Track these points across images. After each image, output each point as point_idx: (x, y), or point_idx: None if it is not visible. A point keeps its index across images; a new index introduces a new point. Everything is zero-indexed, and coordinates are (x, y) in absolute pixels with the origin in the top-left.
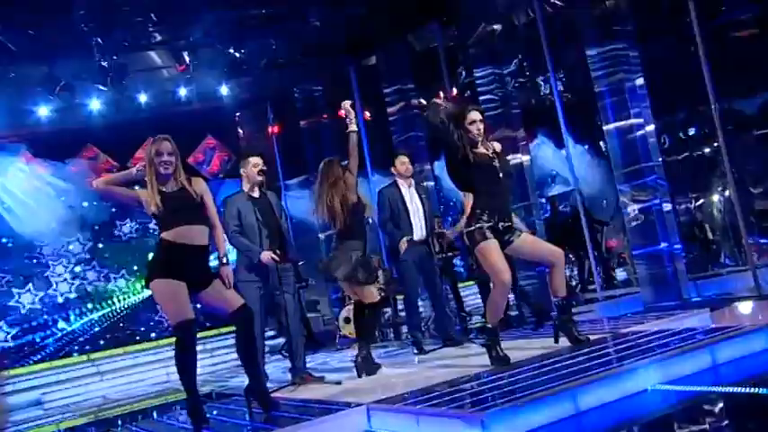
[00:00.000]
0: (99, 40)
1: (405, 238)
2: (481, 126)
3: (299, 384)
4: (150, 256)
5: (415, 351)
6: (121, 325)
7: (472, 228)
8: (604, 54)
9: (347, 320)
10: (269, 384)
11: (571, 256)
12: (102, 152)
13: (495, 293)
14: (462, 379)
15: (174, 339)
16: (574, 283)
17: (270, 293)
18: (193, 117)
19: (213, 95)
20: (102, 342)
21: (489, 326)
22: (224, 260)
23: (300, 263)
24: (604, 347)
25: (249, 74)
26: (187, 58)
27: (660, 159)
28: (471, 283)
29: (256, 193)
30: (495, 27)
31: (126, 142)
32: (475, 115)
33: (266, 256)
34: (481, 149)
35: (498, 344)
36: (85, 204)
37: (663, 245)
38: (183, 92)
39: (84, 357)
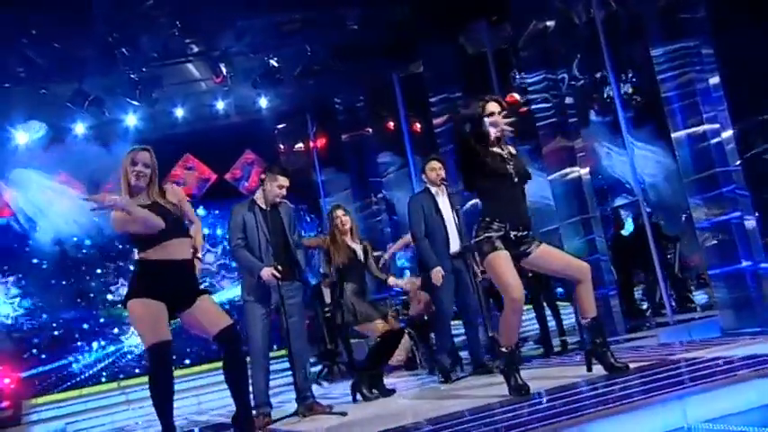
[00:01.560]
0: (125, 51)
1: (438, 270)
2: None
3: (305, 415)
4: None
5: (441, 378)
6: None
7: (481, 237)
8: (672, 52)
9: None
10: (272, 413)
11: (642, 275)
12: None
13: (506, 312)
14: (468, 411)
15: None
16: (644, 306)
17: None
18: (231, 131)
19: (252, 108)
20: (137, 370)
21: (504, 350)
22: (198, 255)
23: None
24: (643, 376)
25: (288, 85)
26: (224, 70)
27: (739, 166)
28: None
29: (267, 204)
30: (549, 24)
31: (162, 159)
32: (493, 107)
33: (267, 272)
34: (496, 149)
35: (517, 371)
36: None
37: (745, 263)
38: (220, 105)
39: (114, 384)
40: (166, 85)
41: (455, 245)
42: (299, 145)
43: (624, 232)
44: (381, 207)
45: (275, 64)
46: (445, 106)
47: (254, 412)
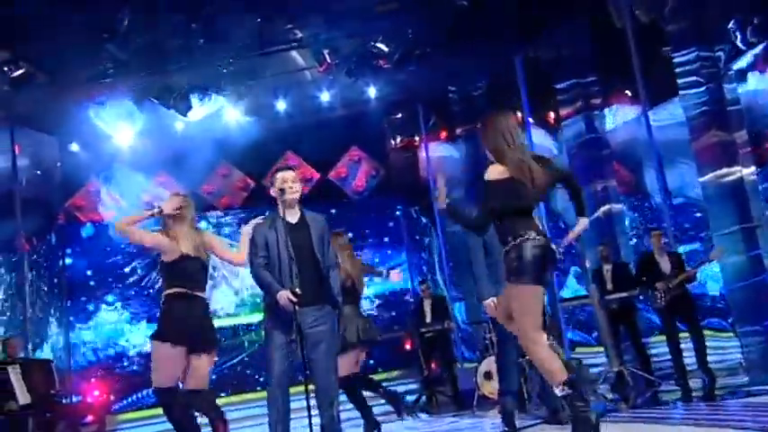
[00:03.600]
0: (204, 42)
1: (489, 303)
2: None
3: None
4: None
5: (506, 428)
6: (248, 372)
7: None
8: None
9: (488, 376)
10: None
11: None
12: (238, 168)
13: None
14: None
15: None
16: None
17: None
18: (336, 125)
19: (359, 99)
20: (222, 394)
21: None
22: None
23: None
24: None
25: (393, 72)
26: (328, 57)
27: None
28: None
29: (293, 217)
30: None
31: (262, 156)
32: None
33: (283, 296)
34: None
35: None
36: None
37: None
38: (325, 96)
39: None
40: (266, 76)
41: None
42: (410, 140)
43: None
44: None
45: (383, 47)
46: (575, 93)
47: None
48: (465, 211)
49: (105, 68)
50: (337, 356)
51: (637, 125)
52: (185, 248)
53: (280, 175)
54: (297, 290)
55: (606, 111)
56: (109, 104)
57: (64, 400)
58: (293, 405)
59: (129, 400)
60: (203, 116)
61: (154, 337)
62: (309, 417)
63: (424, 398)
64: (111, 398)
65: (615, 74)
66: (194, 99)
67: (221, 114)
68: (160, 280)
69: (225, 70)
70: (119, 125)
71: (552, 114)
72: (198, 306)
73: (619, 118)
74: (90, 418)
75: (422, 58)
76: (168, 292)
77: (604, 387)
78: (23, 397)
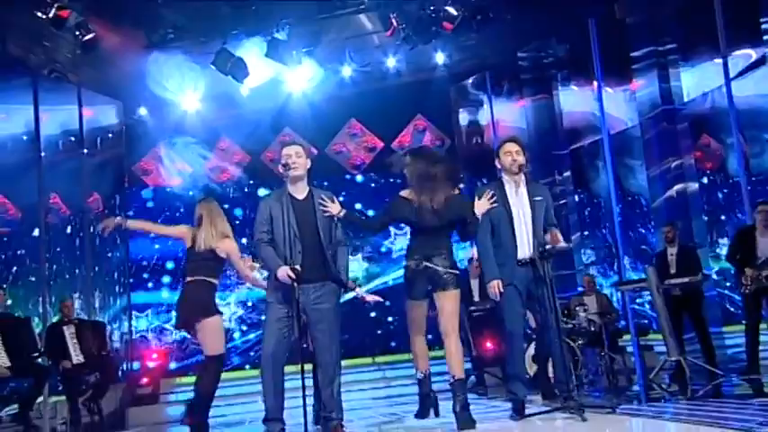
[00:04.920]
0: (256, 7)
1: (496, 283)
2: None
3: None
4: None
5: (513, 413)
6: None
7: None
8: None
9: (535, 359)
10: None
11: None
12: (301, 136)
13: None
14: None
15: None
16: None
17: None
18: (402, 93)
19: (425, 66)
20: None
21: None
22: None
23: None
24: None
25: (466, 37)
26: (395, 21)
27: None
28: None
29: (300, 193)
30: None
31: (326, 124)
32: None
33: (281, 272)
34: None
35: None
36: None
37: None
38: (390, 62)
39: (255, 372)
40: (329, 41)
41: (525, 250)
42: (478, 109)
43: None
44: (568, 188)
45: (451, 11)
46: (651, 61)
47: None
48: (359, 217)
49: (165, 33)
50: (338, 335)
51: (718, 96)
52: (189, 242)
53: (284, 150)
54: (297, 266)
55: (684, 80)
56: (172, 70)
57: (124, 364)
58: (289, 384)
59: (186, 362)
60: (264, 82)
61: None
62: (304, 396)
63: (472, 377)
64: (170, 363)
65: (695, 39)
66: (251, 65)
67: (284, 80)
68: None
69: (281, 36)
70: (183, 90)
71: (629, 82)
72: (183, 291)
73: (698, 88)
74: (145, 380)
75: (487, 22)
76: None
77: (664, 377)
78: (77, 356)
